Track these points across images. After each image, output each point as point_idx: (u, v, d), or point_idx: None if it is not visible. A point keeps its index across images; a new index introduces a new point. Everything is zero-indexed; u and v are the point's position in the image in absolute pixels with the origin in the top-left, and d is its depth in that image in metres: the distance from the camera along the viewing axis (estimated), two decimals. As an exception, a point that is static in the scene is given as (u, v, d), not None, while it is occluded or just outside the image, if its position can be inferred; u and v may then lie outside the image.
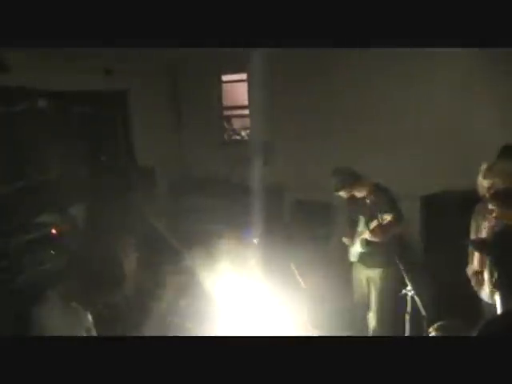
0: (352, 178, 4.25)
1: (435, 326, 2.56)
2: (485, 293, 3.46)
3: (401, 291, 3.61)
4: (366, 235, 4.12)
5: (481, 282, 3.53)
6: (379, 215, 4.03)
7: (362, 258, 4.32)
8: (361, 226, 4.26)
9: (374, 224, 4.08)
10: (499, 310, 1.97)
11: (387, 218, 4.02)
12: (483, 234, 3.59)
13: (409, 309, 3.54)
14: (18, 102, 5.36)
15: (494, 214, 3.32)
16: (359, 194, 4.26)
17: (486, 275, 2.03)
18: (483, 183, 3.65)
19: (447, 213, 4.89)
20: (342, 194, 4.27)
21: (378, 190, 4.28)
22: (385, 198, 4.24)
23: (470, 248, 3.74)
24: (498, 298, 1.98)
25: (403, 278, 3.59)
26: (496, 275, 1.94)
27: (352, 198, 4.35)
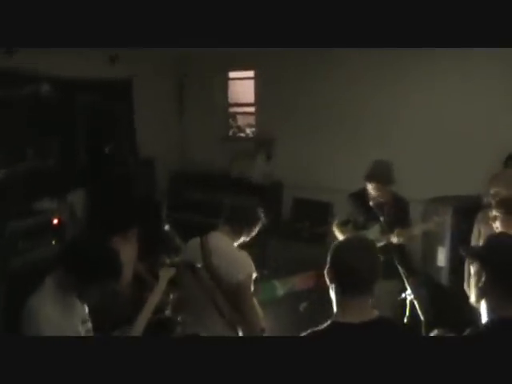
0: (391, 177, 4.16)
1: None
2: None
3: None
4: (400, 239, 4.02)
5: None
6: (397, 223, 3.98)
7: None
8: (373, 234, 4.12)
9: (405, 231, 4.03)
10: (483, 318, 1.96)
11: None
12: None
13: (407, 313, 3.50)
14: (22, 86, 5.32)
15: (497, 222, 3.29)
16: (381, 198, 4.15)
17: (472, 281, 2.04)
18: (490, 191, 3.63)
19: (449, 217, 4.84)
20: (375, 193, 4.14)
21: (398, 199, 4.24)
22: (405, 209, 4.24)
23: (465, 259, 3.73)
24: (483, 306, 1.97)
25: (403, 282, 3.56)
26: (483, 282, 1.93)
27: (362, 203, 4.26)
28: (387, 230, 4.06)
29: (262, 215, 3.48)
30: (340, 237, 4.34)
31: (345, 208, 4.48)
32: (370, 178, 4.13)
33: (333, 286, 2.07)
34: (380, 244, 4.06)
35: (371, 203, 4.11)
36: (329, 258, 2.11)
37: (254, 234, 3.48)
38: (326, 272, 2.10)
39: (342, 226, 4.42)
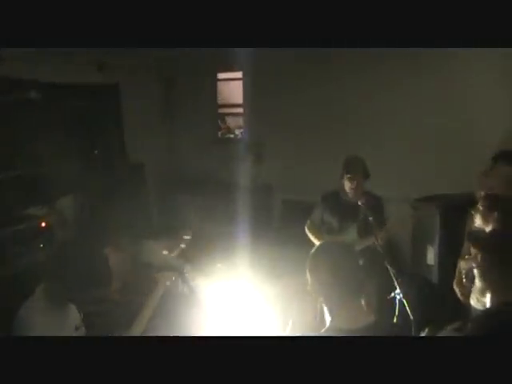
0: (367, 171, 4.17)
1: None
2: (473, 297, 3.46)
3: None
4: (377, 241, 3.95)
5: (466, 290, 3.54)
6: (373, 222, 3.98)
7: None
8: (349, 237, 4.15)
9: (380, 231, 4.00)
10: (488, 308, 1.98)
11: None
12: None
13: (397, 312, 3.51)
14: (9, 92, 5.29)
15: (477, 215, 3.31)
16: (357, 196, 4.14)
17: (476, 272, 2.04)
18: (481, 186, 3.65)
19: (438, 216, 4.88)
20: (351, 187, 4.13)
21: (373, 197, 4.23)
22: (380, 206, 4.24)
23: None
24: (488, 296, 1.98)
25: (392, 281, 3.57)
26: (489, 273, 1.95)
27: (337, 205, 4.27)
28: (364, 231, 4.08)
29: (192, 219, 3.47)
30: (314, 239, 4.34)
31: (320, 210, 4.44)
32: (349, 167, 4.14)
33: (321, 298, 2.05)
34: (359, 247, 4.07)
35: (348, 199, 4.16)
36: (308, 273, 2.09)
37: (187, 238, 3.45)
38: (309, 288, 2.08)
39: (316, 228, 4.39)
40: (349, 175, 4.13)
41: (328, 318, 2.05)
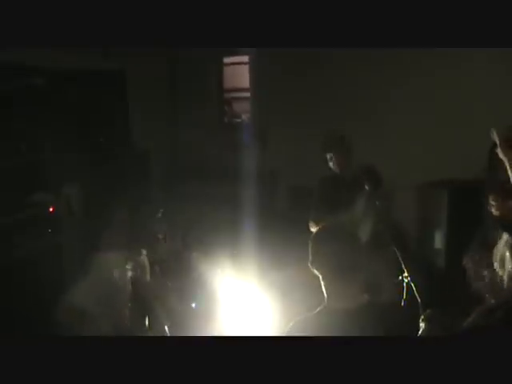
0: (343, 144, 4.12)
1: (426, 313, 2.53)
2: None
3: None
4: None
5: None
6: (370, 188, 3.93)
7: None
8: (355, 213, 4.05)
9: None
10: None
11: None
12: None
13: (404, 295, 3.51)
14: (13, 78, 5.27)
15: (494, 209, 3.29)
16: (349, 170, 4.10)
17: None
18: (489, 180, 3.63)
19: (446, 199, 4.87)
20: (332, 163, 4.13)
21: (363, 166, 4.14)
22: (373, 172, 4.10)
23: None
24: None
25: (400, 265, 3.56)
26: None
27: (338, 179, 4.23)
28: (367, 208, 4.01)
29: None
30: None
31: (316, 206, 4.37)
32: (326, 146, 4.21)
33: (320, 275, 2.11)
34: (367, 228, 4.02)
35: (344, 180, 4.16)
36: (310, 250, 2.16)
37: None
38: (310, 264, 2.14)
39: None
40: (329, 154, 4.18)
41: (324, 295, 2.11)
